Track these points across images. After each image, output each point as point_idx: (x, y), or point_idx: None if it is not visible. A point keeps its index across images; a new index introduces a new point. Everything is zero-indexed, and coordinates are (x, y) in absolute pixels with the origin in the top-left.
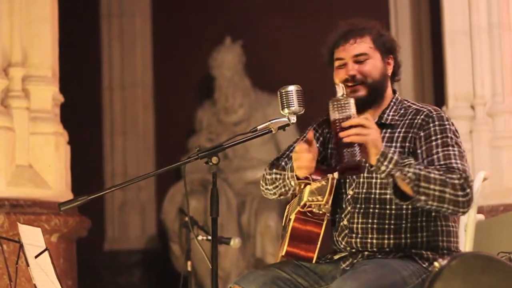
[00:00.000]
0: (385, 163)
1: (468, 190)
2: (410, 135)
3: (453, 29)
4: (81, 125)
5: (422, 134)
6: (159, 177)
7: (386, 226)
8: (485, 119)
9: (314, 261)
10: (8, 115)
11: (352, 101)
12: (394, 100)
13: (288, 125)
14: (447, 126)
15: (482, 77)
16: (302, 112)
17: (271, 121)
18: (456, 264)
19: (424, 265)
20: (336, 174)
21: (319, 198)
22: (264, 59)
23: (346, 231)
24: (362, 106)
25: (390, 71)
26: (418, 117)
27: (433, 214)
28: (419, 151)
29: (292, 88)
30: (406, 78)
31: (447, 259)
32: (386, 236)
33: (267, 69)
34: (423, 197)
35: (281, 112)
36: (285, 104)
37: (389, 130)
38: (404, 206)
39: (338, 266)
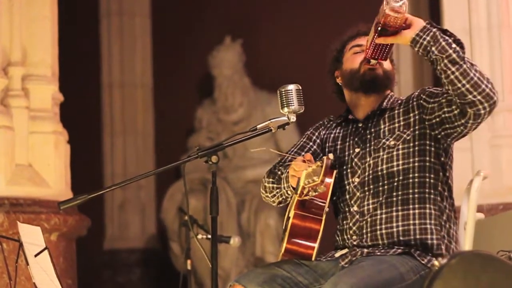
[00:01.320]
0: (433, 26)
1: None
2: (410, 105)
3: (453, 28)
4: (81, 124)
5: (424, 96)
6: (159, 176)
7: (394, 199)
8: None
9: (313, 258)
10: (7, 114)
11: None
12: (390, 94)
13: (287, 124)
14: None
15: None
16: (302, 111)
17: (271, 120)
18: (456, 263)
19: (422, 262)
20: (331, 155)
21: (315, 178)
22: (263, 58)
23: (357, 216)
24: (375, 86)
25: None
26: (414, 93)
27: (439, 188)
28: (431, 103)
29: (291, 87)
30: (406, 77)
31: (446, 258)
32: (394, 208)
33: (266, 68)
34: (469, 64)
35: (281, 111)
36: (284, 103)
37: (388, 111)
38: (411, 175)
39: (337, 264)
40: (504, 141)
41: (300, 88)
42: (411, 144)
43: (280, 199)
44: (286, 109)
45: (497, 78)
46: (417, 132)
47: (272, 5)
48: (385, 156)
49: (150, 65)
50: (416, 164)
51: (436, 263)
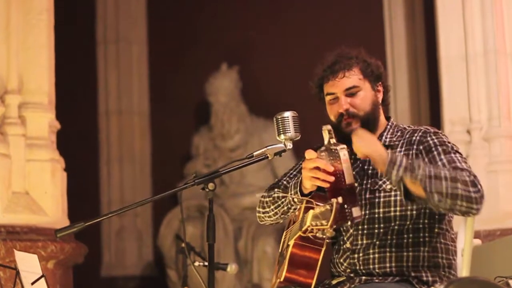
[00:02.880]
0: (395, 170)
1: (479, 187)
2: (411, 152)
3: (449, 54)
4: (78, 152)
5: (421, 147)
6: (156, 203)
7: (388, 242)
8: (481, 143)
9: (312, 287)
10: (4, 142)
11: (339, 148)
12: (390, 124)
13: (284, 151)
14: (445, 139)
15: (478, 102)
16: (298, 138)
17: (267, 147)
18: None
19: None
20: (340, 199)
21: (323, 222)
22: (260, 85)
23: (348, 253)
24: None
25: (380, 98)
26: (416, 134)
27: (435, 230)
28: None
29: (288, 114)
30: (402, 103)
31: (444, 284)
32: (388, 249)
33: (263, 95)
34: (436, 196)
35: (277, 138)
36: (281, 130)
37: (389, 151)
38: (408, 222)
39: None
40: (501, 166)
41: (297, 115)
42: None
43: (285, 208)
44: (282, 136)
45: (493, 103)
46: None
47: (268, 32)
48: (382, 200)
49: (147, 92)
50: (414, 212)
51: None
